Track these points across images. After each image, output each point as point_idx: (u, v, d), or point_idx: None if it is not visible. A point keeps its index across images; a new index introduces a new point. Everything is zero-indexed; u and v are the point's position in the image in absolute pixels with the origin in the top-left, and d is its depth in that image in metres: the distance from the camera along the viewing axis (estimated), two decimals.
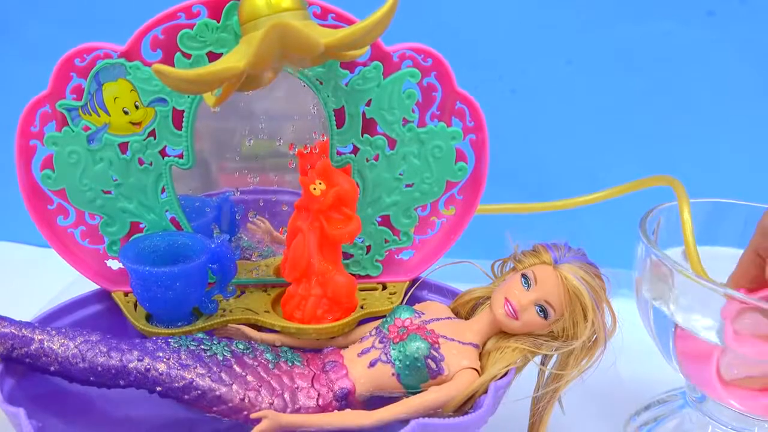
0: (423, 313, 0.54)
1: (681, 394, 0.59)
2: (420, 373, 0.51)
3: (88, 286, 0.60)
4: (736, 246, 0.53)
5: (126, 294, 0.59)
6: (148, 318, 0.57)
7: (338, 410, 0.50)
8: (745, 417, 0.51)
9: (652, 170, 0.72)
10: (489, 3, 0.80)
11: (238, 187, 0.62)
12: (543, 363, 0.53)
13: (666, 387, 0.62)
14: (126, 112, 0.55)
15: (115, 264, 0.60)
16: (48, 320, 0.56)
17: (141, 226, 0.59)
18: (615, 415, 0.61)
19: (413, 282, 0.62)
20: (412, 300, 0.60)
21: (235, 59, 0.45)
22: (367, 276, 0.63)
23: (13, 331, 0.49)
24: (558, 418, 0.54)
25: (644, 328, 0.55)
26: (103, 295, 0.60)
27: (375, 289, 0.62)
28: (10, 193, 0.57)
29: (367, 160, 0.59)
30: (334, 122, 0.58)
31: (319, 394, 0.51)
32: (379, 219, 0.62)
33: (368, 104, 0.57)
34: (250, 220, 0.63)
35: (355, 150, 0.59)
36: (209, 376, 0.49)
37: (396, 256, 0.63)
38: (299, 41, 0.44)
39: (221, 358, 0.51)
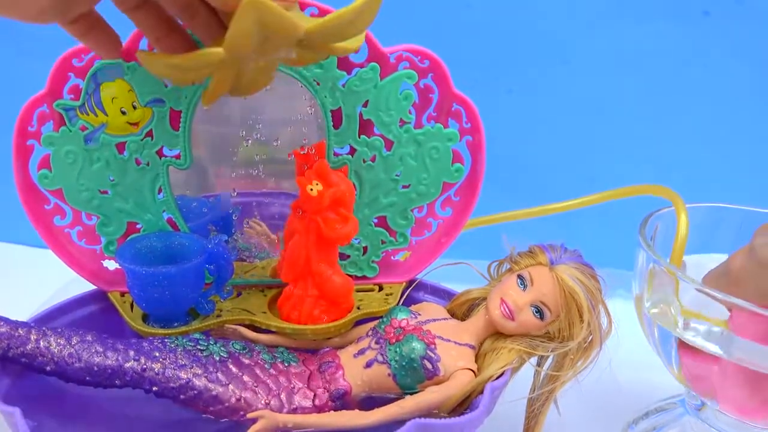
0: (419, 314, 0.55)
1: (680, 401, 0.59)
2: (416, 373, 0.51)
3: (84, 287, 0.60)
4: (731, 253, 0.52)
5: (122, 294, 0.59)
6: (145, 318, 0.57)
7: (334, 410, 0.51)
8: (745, 425, 0.51)
9: (648, 170, 0.72)
10: (485, 3, 0.80)
11: (235, 188, 0.62)
12: (539, 364, 0.53)
13: (665, 393, 0.61)
14: (123, 113, 0.55)
15: (111, 264, 0.60)
16: (44, 320, 0.56)
17: (138, 226, 0.59)
18: (613, 423, 0.60)
19: (410, 283, 0.62)
20: (409, 301, 0.60)
21: (216, 45, 0.44)
22: (364, 277, 0.63)
23: (9, 330, 0.49)
24: (555, 426, 0.54)
25: (640, 330, 0.55)
26: (99, 296, 0.60)
27: (371, 290, 0.62)
28: (6, 193, 0.57)
29: (364, 161, 0.59)
30: (331, 123, 0.58)
31: (315, 395, 0.51)
32: (376, 220, 0.62)
33: (365, 105, 0.58)
34: (247, 222, 0.63)
35: (352, 151, 0.59)
36: (206, 376, 0.49)
37: (392, 257, 0.63)
38: (277, 22, 0.42)
39: (218, 359, 0.51)
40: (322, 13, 0.54)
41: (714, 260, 0.51)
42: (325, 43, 0.48)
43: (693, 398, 0.55)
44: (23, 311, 0.58)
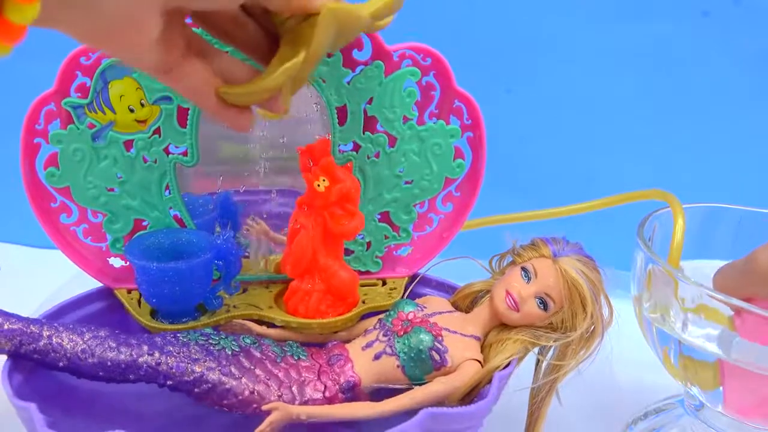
0: (425, 307, 0.56)
1: (679, 402, 0.59)
2: (424, 364, 0.52)
3: (81, 288, 0.60)
4: (729, 253, 0.52)
5: (129, 291, 0.60)
6: (153, 314, 0.57)
7: (345, 402, 0.51)
8: (745, 426, 0.51)
9: (647, 170, 0.73)
10: (485, 3, 0.81)
11: (241, 185, 0.62)
12: (542, 354, 0.54)
13: (664, 393, 0.61)
14: (131, 110, 0.56)
15: (117, 262, 0.61)
16: (51, 318, 0.56)
17: (144, 223, 0.60)
18: (612, 424, 0.60)
19: (413, 277, 0.63)
20: (412, 295, 0.61)
21: (289, 56, 0.43)
22: (368, 272, 0.64)
23: (21, 327, 0.50)
24: (554, 426, 0.55)
25: (639, 330, 0.55)
26: (104, 293, 0.60)
27: (375, 284, 0.63)
28: (5, 193, 0.57)
29: (368, 158, 0.60)
30: (336, 120, 0.59)
31: (325, 387, 0.51)
32: (379, 215, 0.63)
33: (369, 102, 0.58)
34: (247, 221, 0.63)
35: (357, 147, 0.60)
36: (219, 370, 0.50)
37: (395, 253, 0.64)
38: (353, 21, 0.44)
39: (230, 352, 0.51)
40: None
41: (711, 266, 0.50)
42: (373, 23, 0.47)
43: (692, 398, 0.55)
44: (22, 312, 0.58)
